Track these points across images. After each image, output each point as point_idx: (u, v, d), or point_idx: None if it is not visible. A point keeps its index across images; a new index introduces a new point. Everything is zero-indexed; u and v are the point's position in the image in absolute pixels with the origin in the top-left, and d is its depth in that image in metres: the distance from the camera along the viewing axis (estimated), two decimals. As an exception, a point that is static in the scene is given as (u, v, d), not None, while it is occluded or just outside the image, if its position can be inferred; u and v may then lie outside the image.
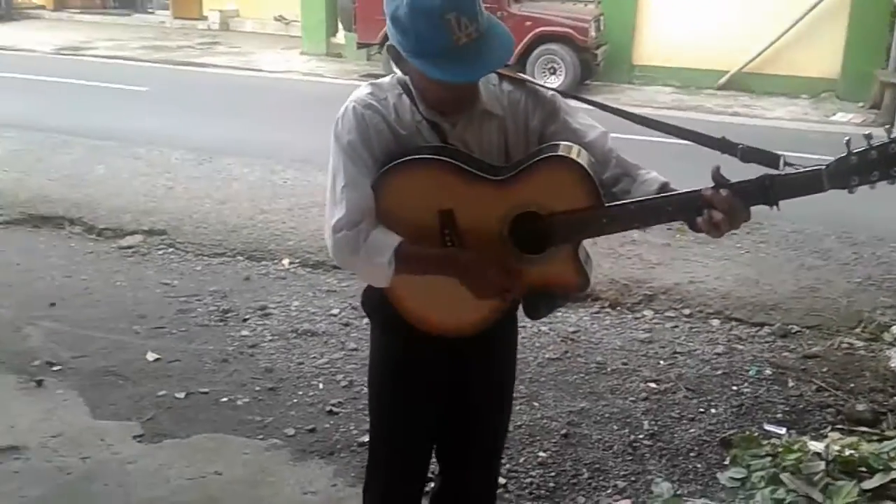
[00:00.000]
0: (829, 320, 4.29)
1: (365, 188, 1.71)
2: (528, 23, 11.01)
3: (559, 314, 4.38)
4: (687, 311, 4.43)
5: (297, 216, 5.78)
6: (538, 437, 3.24)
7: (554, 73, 11.01)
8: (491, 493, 2.22)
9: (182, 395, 3.48)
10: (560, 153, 1.69)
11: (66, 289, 4.53)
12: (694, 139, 1.75)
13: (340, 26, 13.29)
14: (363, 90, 1.77)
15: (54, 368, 3.64)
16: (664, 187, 1.73)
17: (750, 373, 3.76)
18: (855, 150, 1.54)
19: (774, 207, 1.62)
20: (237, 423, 3.30)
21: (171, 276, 4.76)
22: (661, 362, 3.87)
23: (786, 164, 1.62)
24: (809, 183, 1.57)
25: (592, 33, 10.98)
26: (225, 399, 3.46)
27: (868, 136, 1.53)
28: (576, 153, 1.70)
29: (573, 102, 1.88)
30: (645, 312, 4.44)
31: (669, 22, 11.93)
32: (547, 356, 3.90)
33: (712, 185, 1.61)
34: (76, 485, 2.89)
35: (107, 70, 12.09)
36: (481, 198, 1.70)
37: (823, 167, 1.55)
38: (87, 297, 4.43)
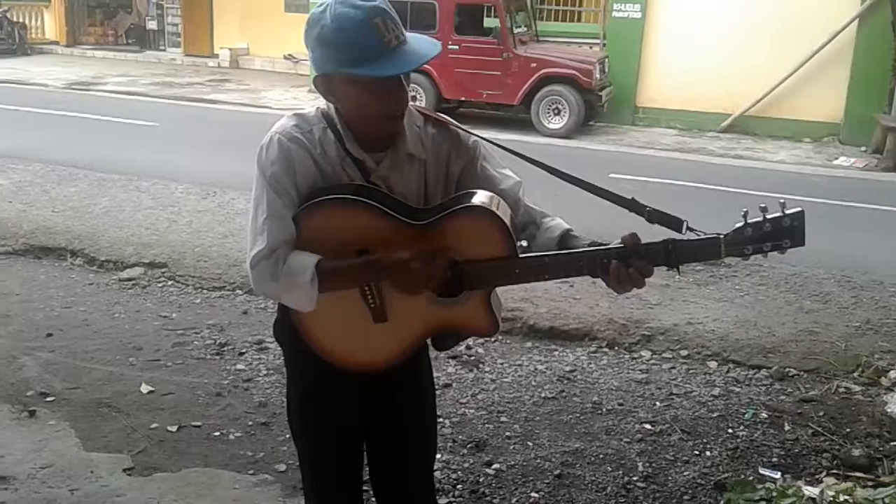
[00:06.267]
0: (827, 364, 4.26)
1: (287, 220, 1.73)
2: (534, 64, 11.15)
3: (556, 353, 4.38)
4: (685, 353, 4.41)
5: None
6: (531, 478, 3.21)
7: (558, 114, 11.11)
8: None
9: (174, 428, 3.47)
10: (481, 205, 1.73)
11: (64, 320, 4.55)
12: (606, 197, 1.82)
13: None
14: (288, 121, 1.79)
15: (48, 399, 3.64)
16: (566, 233, 1.83)
17: (746, 416, 3.73)
18: (751, 222, 1.63)
19: (675, 270, 1.70)
20: (228, 457, 3.29)
21: (170, 309, 4.78)
22: (658, 403, 3.85)
23: (688, 229, 1.70)
24: (708, 249, 1.68)
25: (597, 75, 11.10)
26: (217, 433, 3.45)
27: (763, 209, 1.62)
28: (496, 206, 1.74)
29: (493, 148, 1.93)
30: (642, 353, 4.43)
31: (673, 65, 12.08)
32: (543, 395, 3.89)
33: (620, 243, 1.69)
34: (63, 517, 2.87)
35: (117, 105, 12.25)
36: (400, 241, 1.72)
37: (722, 236, 1.65)
38: (85, 329, 4.45)
